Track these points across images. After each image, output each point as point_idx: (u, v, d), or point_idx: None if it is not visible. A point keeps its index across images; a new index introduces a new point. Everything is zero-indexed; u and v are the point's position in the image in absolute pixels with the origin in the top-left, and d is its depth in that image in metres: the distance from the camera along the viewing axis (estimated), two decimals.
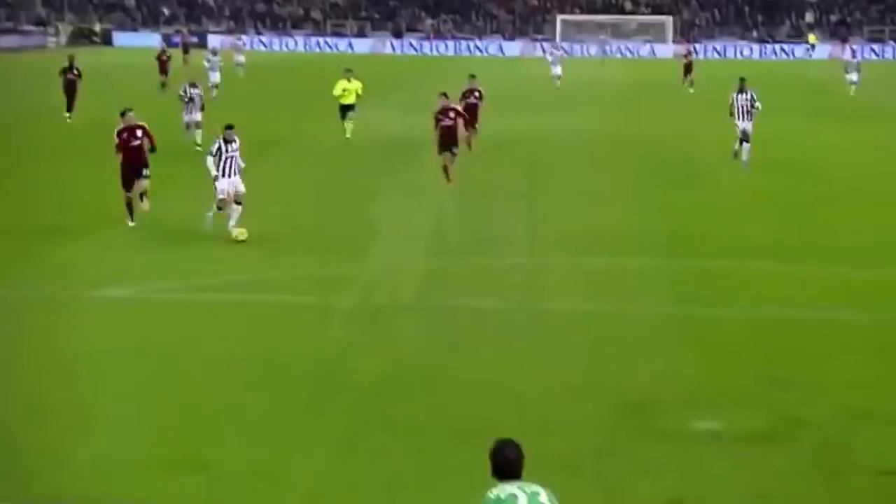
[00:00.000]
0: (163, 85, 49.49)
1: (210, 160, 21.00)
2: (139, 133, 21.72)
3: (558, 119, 41.44)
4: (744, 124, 29.74)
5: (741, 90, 29.95)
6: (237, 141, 21.12)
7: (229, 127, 21.22)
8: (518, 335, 15.19)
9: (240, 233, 20.38)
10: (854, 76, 53.60)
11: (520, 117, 40.70)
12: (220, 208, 20.89)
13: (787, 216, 23.63)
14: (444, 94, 27.30)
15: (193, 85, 33.64)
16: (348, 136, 33.86)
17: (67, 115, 38.87)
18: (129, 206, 21.65)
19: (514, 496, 6.93)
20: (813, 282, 18.19)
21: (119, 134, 21.68)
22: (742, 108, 29.77)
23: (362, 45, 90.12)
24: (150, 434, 11.64)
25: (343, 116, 34.34)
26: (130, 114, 22.06)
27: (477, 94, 32.52)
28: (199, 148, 30.39)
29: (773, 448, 11.33)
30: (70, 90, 39.36)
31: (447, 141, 26.53)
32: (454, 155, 26.54)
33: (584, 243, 20.76)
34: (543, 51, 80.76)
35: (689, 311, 16.45)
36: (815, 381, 13.36)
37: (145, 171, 21.60)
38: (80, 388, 13.03)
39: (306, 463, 10.92)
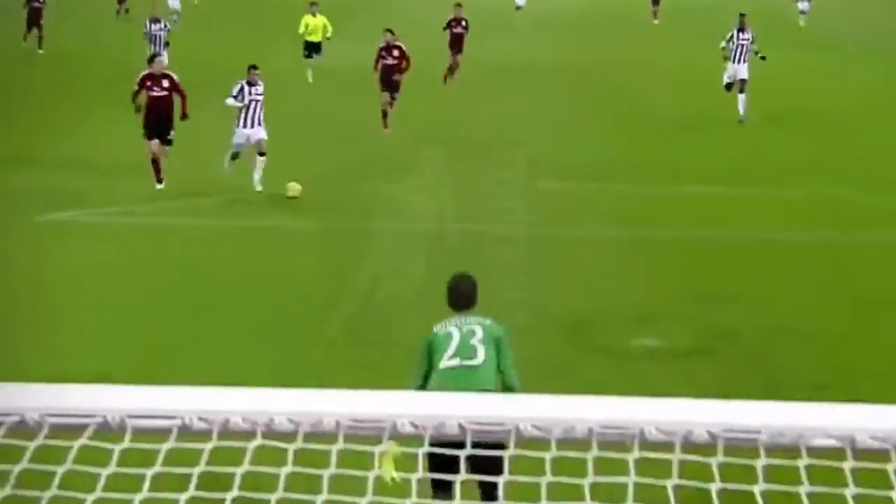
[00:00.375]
0: (118, 13, 48.39)
1: (231, 101, 19.09)
2: (165, 83, 19.29)
3: (518, 48, 41.07)
4: (738, 67, 26.29)
5: (742, 27, 26.47)
6: (261, 84, 19.18)
7: (253, 67, 19.30)
8: (467, 257, 15.43)
9: (290, 188, 18.45)
10: (804, 5, 53.59)
11: (482, 44, 40.13)
12: (233, 157, 19.19)
13: (731, 141, 23.98)
14: (390, 31, 25.55)
15: (155, 20, 31.99)
16: (310, 80, 31.47)
17: (40, 50, 36.14)
18: (155, 162, 19.20)
19: (450, 335, 7.53)
20: (752, 203, 18.60)
21: (142, 81, 19.38)
22: (741, 47, 26.37)
23: None
24: (106, 354, 11.81)
25: (308, 55, 32.05)
26: (159, 59, 20.23)
27: (463, 23, 31.45)
28: None
29: (709, 362, 11.73)
30: (35, 20, 36.51)
31: (388, 81, 24.78)
32: (394, 99, 24.76)
33: (534, 168, 21.00)
34: None
35: (632, 233, 16.79)
36: (752, 299, 13.76)
37: (171, 134, 19.21)
38: (37, 310, 13.19)
39: (252, 382, 11.14)
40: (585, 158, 21.89)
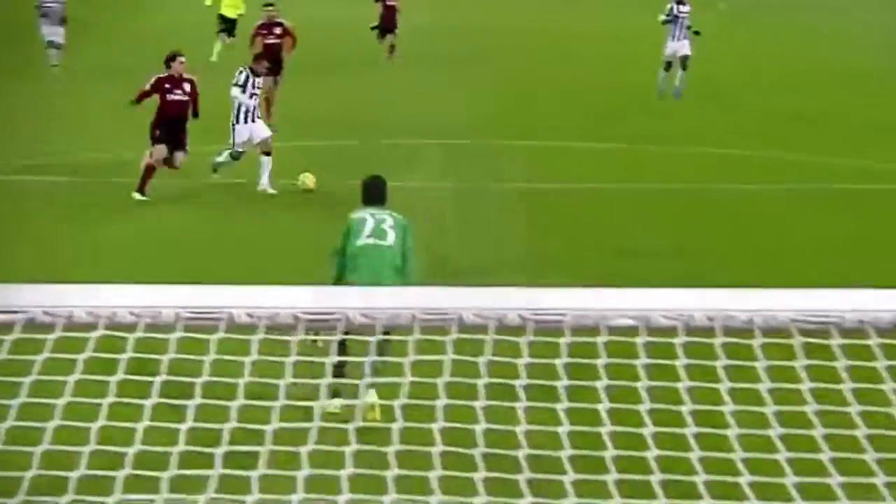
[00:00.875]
0: None
1: (236, 91, 16.98)
2: (187, 87, 16.88)
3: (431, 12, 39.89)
4: (678, 44, 24.53)
5: (680, 0, 24.76)
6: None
7: (263, 57, 17.91)
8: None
9: (305, 180, 16.84)
10: None
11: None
12: (234, 158, 17.02)
13: (639, 108, 24.08)
14: (271, 5, 22.38)
15: None
16: (213, 58, 26.93)
17: None
18: (149, 173, 16.43)
19: (364, 220, 8.93)
20: (631, 158, 19.24)
21: (158, 83, 16.85)
22: (681, 21, 24.59)
23: None
24: None
25: (222, 30, 28.26)
26: (181, 59, 16.95)
27: None
28: (55, 66, 26.04)
29: None
30: None
31: (271, 64, 20.78)
32: (276, 83, 21.57)
33: (435, 127, 21.24)
34: None
35: (513, 187, 17.22)
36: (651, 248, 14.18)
37: (186, 144, 16.90)
38: None
39: None
40: (493, 116, 22.33)
